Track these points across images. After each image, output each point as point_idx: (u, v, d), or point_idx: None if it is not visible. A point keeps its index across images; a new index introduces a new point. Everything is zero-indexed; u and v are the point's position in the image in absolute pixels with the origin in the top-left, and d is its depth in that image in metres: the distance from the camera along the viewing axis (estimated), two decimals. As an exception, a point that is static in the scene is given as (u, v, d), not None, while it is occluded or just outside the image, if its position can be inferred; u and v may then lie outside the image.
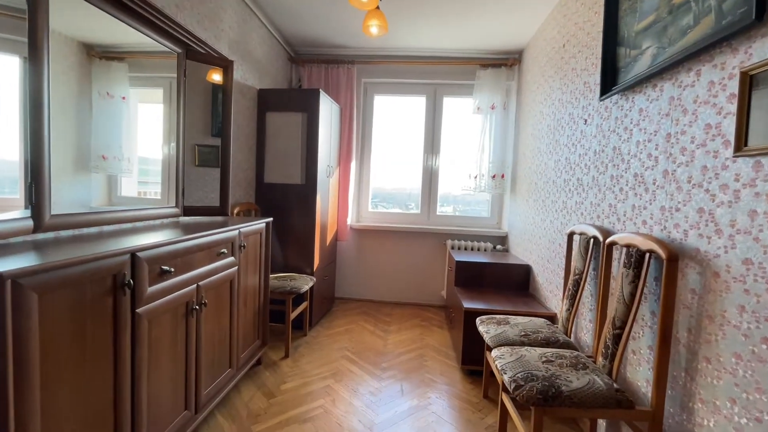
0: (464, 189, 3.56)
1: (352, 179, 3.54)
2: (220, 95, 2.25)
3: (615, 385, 1.29)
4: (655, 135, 1.37)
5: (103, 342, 1.10)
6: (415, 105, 3.69)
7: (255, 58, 2.80)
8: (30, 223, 1.18)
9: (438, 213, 3.71)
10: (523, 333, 1.76)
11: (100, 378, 1.10)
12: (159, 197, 1.93)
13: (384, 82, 3.62)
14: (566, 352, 1.53)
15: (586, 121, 1.94)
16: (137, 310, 1.22)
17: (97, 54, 1.49)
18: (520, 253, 3.03)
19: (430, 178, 3.69)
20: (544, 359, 1.46)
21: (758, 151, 0.94)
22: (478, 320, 1.98)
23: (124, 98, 1.67)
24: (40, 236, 1.25)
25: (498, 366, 1.46)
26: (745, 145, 0.99)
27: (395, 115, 3.76)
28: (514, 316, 1.99)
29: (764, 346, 0.92)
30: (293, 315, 2.51)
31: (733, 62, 1.04)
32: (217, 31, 2.28)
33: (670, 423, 1.24)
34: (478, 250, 3.41)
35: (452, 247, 3.45)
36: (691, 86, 1.21)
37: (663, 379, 1.21)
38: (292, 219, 2.85)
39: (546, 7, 2.51)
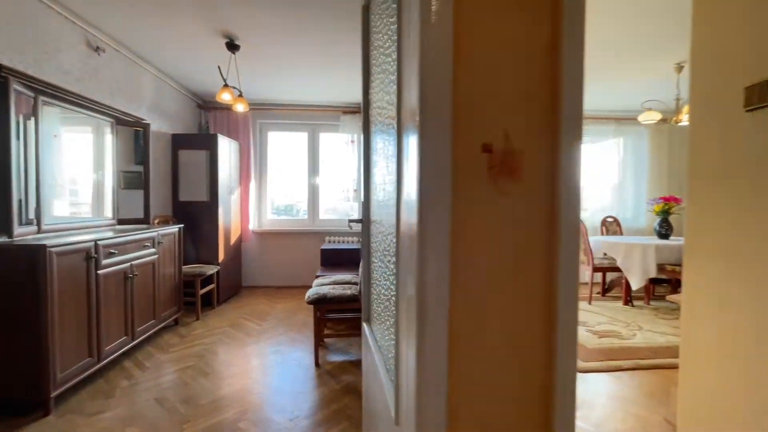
0: (338, 199, 4.92)
1: (252, 195, 4.73)
2: (141, 138, 3.35)
3: (351, 293, 2.64)
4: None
5: (82, 286, 2.21)
6: (300, 138, 4.99)
7: (169, 112, 3.91)
8: (35, 228, 2.25)
9: (321, 218, 5.03)
10: (333, 281, 3.09)
11: (83, 308, 2.20)
12: (90, 215, 2.97)
13: (275, 122, 4.87)
14: (350, 286, 2.87)
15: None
16: (98, 272, 2.33)
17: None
18: (370, 242, 4.43)
19: (313, 192, 5.00)
20: (332, 288, 2.79)
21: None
22: (315, 279, 3.29)
23: (55, 136, 2.69)
24: (40, 235, 2.31)
25: (307, 294, 2.76)
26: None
27: (287, 146, 5.03)
28: (341, 275, 3.33)
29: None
30: (202, 291, 3.63)
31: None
32: (139, 101, 3.38)
33: (376, 307, 2.64)
34: (349, 242, 4.77)
35: (328, 242, 4.77)
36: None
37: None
38: (202, 225, 3.96)
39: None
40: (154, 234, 2.99)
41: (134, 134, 3.42)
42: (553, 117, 0.52)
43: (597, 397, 2.23)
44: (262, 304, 4.11)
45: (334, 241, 4.77)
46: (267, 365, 2.62)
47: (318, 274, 3.59)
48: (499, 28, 0.51)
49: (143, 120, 3.28)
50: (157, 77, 3.67)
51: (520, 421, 0.54)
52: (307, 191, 5.00)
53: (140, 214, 3.46)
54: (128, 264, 2.64)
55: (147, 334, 2.87)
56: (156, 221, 3.61)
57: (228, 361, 2.66)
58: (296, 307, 4.02)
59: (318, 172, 4.99)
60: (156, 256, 3.01)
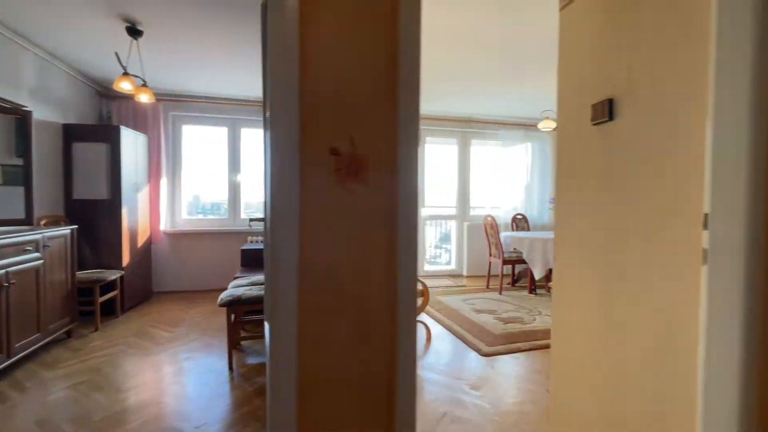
0: (262, 197, 4.77)
1: (164, 193, 4.38)
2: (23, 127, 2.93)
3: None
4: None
5: (-64, 297, 1.89)
6: (220, 133, 4.74)
7: (59, 100, 3.46)
8: None
9: (243, 217, 4.82)
10: (251, 282, 3.00)
11: (-66, 318, 1.88)
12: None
13: (190, 115, 4.56)
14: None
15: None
16: (-41, 282, 2.01)
17: None
18: (294, 241, 4.37)
19: (234, 190, 4.78)
20: (247, 289, 2.70)
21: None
22: (233, 280, 3.16)
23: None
24: None
25: (220, 296, 2.65)
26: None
27: (204, 141, 4.74)
28: (261, 276, 3.23)
29: (297, 258, 2.31)
30: (102, 299, 3.28)
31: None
32: (18, 84, 2.95)
33: (294, 306, 2.62)
34: (272, 242, 4.64)
35: (251, 242, 4.60)
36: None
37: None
38: (102, 226, 3.58)
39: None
40: (38, 236, 2.65)
41: (15, 122, 2.98)
42: (392, 124, 0.59)
43: (498, 376, 2.46)
44: (174, 310, 3.83)
45: (256, 241, 4.61)
46: (175, 373, 2.46)
47: (237, 275, 3.46)
48: (343, 44, 0.57)
49: (23, 107, 2.88)
50: (43, 58, 3.24)
51: (364, 411, 0.60)
52: (228, 189, 4.77)
53: (22, 214, 3.04)
54: (2, 271, 2.31)
55: (29, 350, 2.53)
56: (42, 222, 3.19)
57: (130, 373, 2.45)
58: (213, 311, 3.82)
59: (239, 169, 4.78)
60: (41, 262, 2.66)
